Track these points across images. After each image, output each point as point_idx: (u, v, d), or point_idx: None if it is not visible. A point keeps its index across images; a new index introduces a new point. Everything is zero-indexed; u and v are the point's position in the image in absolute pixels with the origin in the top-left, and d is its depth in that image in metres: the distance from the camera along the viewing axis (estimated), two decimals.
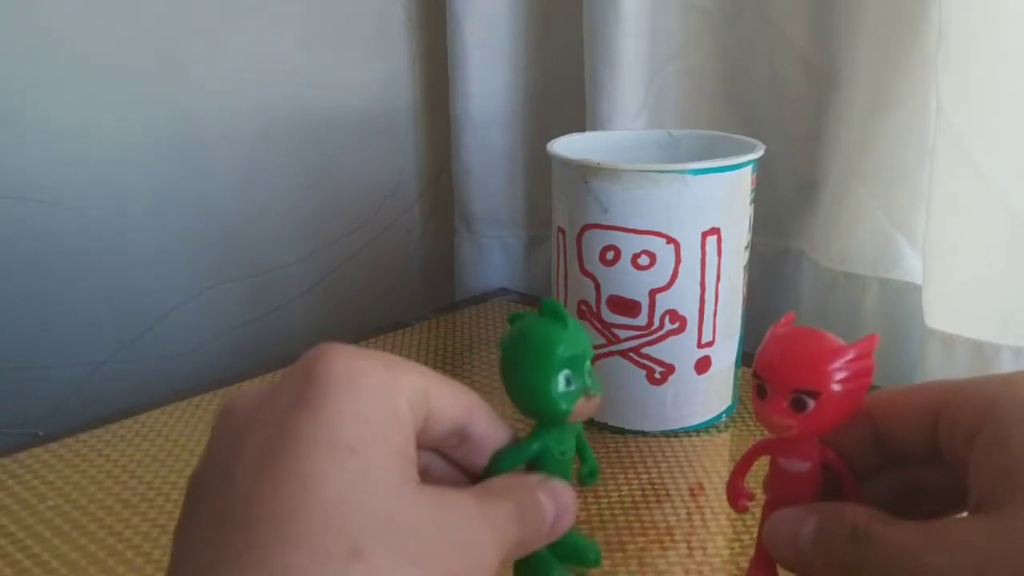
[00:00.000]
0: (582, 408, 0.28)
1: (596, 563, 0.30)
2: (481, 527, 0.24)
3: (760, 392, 0.28)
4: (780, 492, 0.29)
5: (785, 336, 0.28)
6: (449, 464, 0.28)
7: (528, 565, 0.29)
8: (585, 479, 0.31)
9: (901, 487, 0.28)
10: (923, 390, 0.27)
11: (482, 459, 0.28)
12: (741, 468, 0.31)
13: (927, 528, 0.24)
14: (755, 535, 0.40)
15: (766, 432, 0.29)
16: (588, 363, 0.28)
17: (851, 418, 0.28)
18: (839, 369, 0.27)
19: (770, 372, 0.28)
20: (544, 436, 0.28)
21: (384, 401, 0.24)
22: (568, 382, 0.27)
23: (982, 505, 0.23)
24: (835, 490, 0.29)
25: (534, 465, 0.29)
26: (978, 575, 0.22)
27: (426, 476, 0.26)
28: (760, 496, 0.30)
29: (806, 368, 0.27)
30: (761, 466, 0.31)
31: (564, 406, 0.28)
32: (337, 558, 0.20)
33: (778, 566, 0.29)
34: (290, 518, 0.21)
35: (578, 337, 0.28)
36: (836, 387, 0.27)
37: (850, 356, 0.27)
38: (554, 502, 0.27)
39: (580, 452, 0.31)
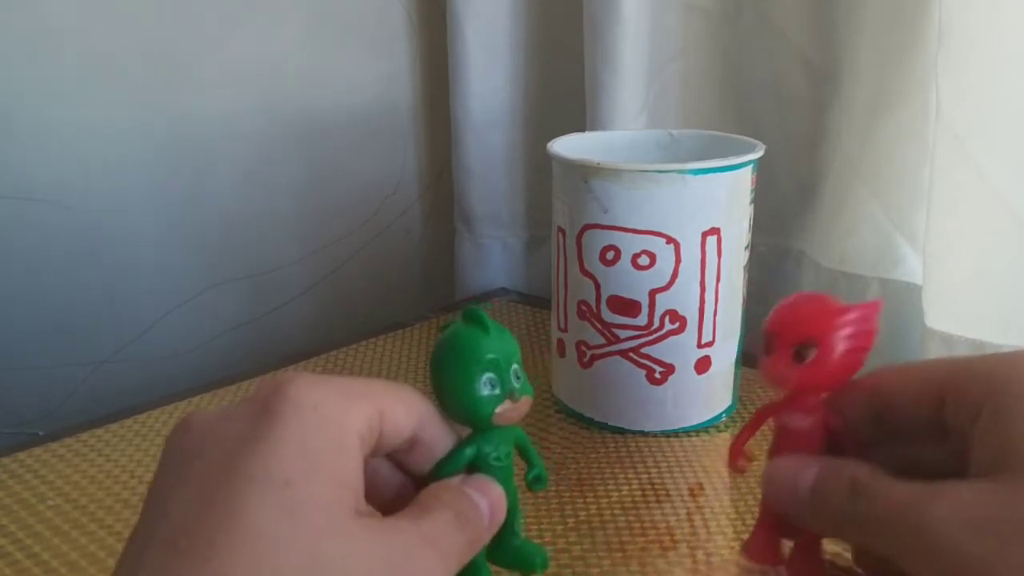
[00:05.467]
0: (508, 411, 0.28)
1: (543, 567, 0.31)
2: (424, 552, 0.25)
3: (767, 348, 0.29)
4: (783, 451, 0.30)
5: (795, 298, 0.30)
6: (395, 469, 0.28)
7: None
8: (531, 485, 0.32)
9: (899, 461, 0.28)
10: (928, 368, 0.28)
11: (427, 463, 0.28)
12: (747, 430, 0.32)
13: (927, 485, 0.24)
14: None
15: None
16: (515, 366, 0.29)
17: (849, 379, 0.29)
18: (840, 324, 0.28)
19: (777, 326, 0.29)
20: (478, 441, 0.29)
21: (331, 434, 0.24)
22: (492, 385, 0.28)
23: (981, 474, 0.24)
24: (839, 455, 0.29)
25: (473, 471, 0.29)
26: (975, 531, 0.22)
27: (372, 482, 0.26)
28: (759, 463, 0.31)
29: (809, 321, 0.29)
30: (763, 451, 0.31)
31: (487, 409, 0.28)
32: None
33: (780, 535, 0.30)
34: (213, 550, 0.21)
35: (501, 341, 0.29)
36: (836, 340, 0.28)
37: (852, 315, 0.28)
38: (485, 496, 0.28)
39: (526, 458, 0.31)
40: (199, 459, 0.23)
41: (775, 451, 0.30)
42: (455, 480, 0.28)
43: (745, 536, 0.40)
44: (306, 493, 0.22)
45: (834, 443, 0.29)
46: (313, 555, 0.22)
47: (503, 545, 0.30)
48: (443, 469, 0.28)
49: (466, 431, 0.29)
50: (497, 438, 0.29)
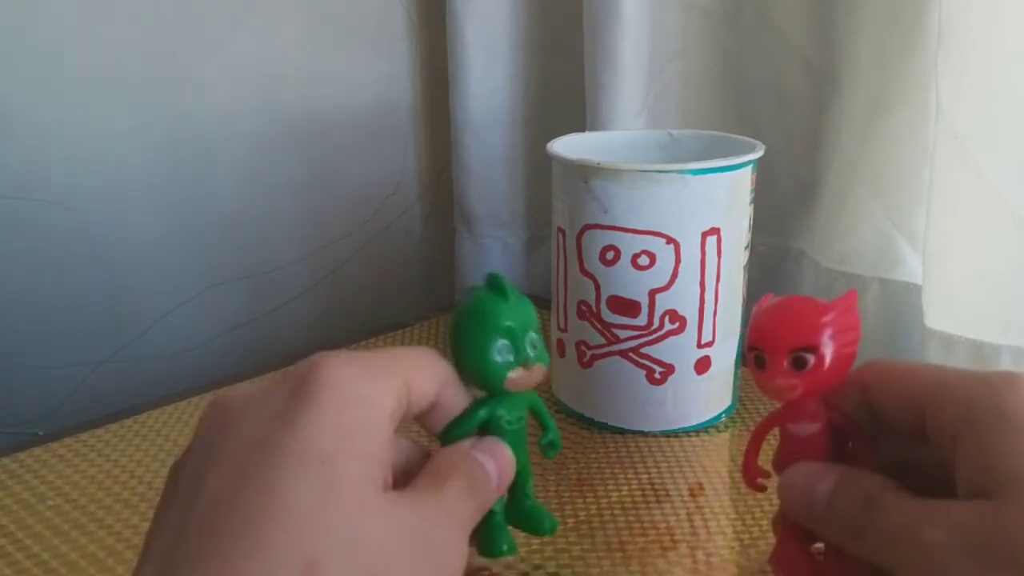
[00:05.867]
0: (521, 377, 0.29)
1: (552, 531, 0.31)
2: (447, 523, 0.25)
3: (758, 363, 0.29)
4: (792, 458, 0.30)
5: (772, 306, 0.30)
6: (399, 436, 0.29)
7: (478, 531, 0.29)
8: (545, 451, 0.32)
9: (899, 456, 0.29)
10: (911, 378, 0.28)
11: (444, 423, 0.29)
12: (754, 446, 0.32)
13: (930, 505, 0.25)
14: (755, 534, 0.40)
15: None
16: (531, 334, 0.29)
17: (845, 375, 0.29)
18: (829, 323, 0.28)
19: (765, 339, 0.29)
20: (492, 404, 0.29)
21: (363, 411, 0.24)
22: (506, 352, 0.29)
23: (969, 495, 0.25)
24: (845, 452, 0.29)
25: (485, 432, 0.29)
26: (967, 555, 0.23)
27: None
28: (775, 477, 0.30)
29: (800, 327, 0.29)
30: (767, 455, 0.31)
31: (500, 375, 0.29)
32: (291, 570, 0.21)
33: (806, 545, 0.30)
34: (249, 527, 0.21)
35: (520, 309, 0.29)
36: (830, 341, 0.28)
37: (836, 311, 0.28)
38: (493, 459, 0.29)
39: (541, 423, 0.32)
40: (234, 436, 0.23)
41: (783, 459, 0.30)
42: (466, 444, 0.29)
43: (745, 537, 0.40)
44: (341, 469, 0.23)
45: (839, 440, 0.29)
46: (348, 531, 0.22)
47: (515, 505, 0.31)
48: (456, 430, 0.29)
49: (482, 394, 0.30)
50: (511, 402, 0.30)
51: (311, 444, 0.23)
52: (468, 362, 0.29)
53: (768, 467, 0.31)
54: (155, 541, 0.23)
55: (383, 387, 0.25)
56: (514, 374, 0.29)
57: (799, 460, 0.29)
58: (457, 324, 0.29)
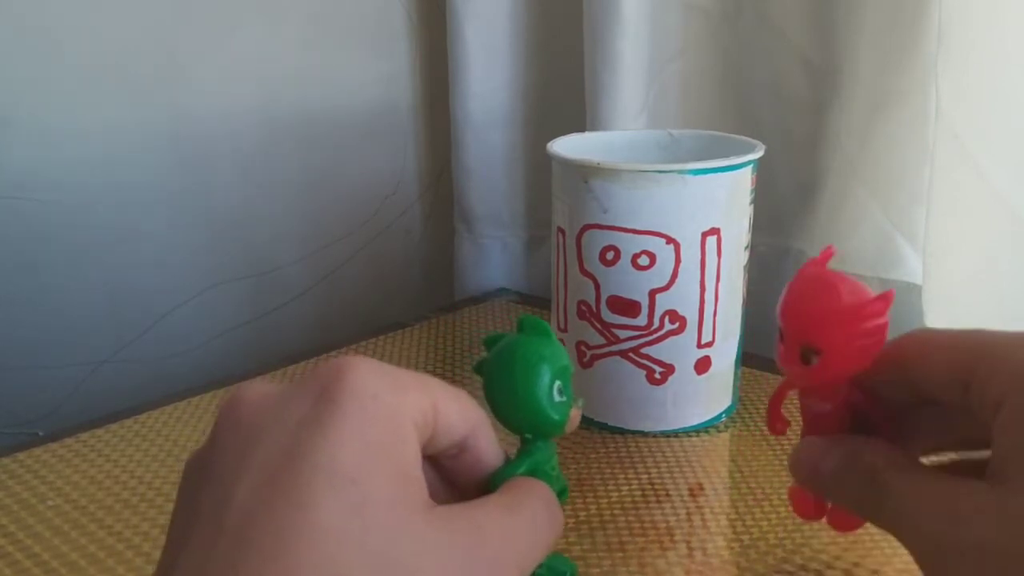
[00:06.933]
0: (574, 417, 0.29)
1: None
2: (502, 543, 0.24)
3: (781, 337, 0.28)
4: (808, 429, 0.30)
5: (807, 282, 0.28)
6: (438, 475, 0.28)
7: None
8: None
9: (934, 425, 0.28)
10: (956, 345, 0.26)
11: (474, 473, 0.27)
12: (778, 397, 0.31)
13: (936, 491, 0.24)
14: (755, 534, 0.40)
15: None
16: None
17: (864, 368, 0.28)
18: (846, 329, 0.27)
19: (784, 320, 0.28)
20: (534, 453, 0.28)
21: (389, 425, 0.23)
22: (560, 393, 0.28)
23: (995, 474, 0.23)
24: (868, 427, 0.29)
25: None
26: (974, 550, 0.22)
27: None
28: (796, 427, 0.30)
29: (812, 325, 0.27)
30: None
31: (559, 417, 0.28)
32: None
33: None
34: (282, 546, 0.21)
35: (561, 350, 0.29)
36: (841, 345, 0.27)
37: (861, 312, 0.27)
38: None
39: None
40: (262, 442, 0.23)
41: (805, 425, 0.30)
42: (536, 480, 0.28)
43: (745, 537, 0.40)
44: (373, 490, 0.22)
45: (861, 417, 0.29)
46: (383, 555, 0.21)
47: None
48: (506, 473, 0.27)
49: (511, 447, 0.29)
50: (548, 449, 0.29)
51: (341, 462, 0.22)
52: (524, 405, 0.28)
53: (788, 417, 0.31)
54: (179, 547, 0.22)
55: (408, 400, 0.24)
56: (570, 415, 0.28)
57: (813, 430, 0.29)
58: (505, 371, 0.28)
